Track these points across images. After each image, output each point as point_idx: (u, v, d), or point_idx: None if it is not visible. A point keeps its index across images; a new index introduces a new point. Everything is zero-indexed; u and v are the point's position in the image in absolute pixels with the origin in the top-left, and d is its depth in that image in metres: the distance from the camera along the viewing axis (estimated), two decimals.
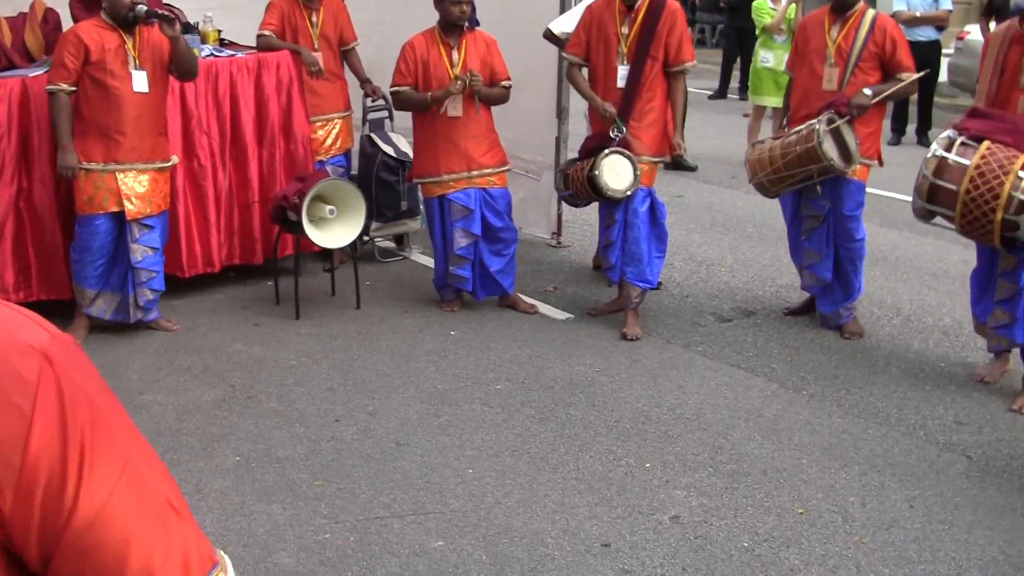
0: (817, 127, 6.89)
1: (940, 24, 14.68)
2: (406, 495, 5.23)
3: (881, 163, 7.40)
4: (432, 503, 5.16)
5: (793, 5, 12.97)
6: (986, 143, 5.98)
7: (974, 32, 16.23)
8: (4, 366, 1.35)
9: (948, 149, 6.06)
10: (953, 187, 5.98)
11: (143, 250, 7.07)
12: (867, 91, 7.04)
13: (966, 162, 5.96)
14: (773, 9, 12.73)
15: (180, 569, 1.52)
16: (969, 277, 6.83)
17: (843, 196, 7.22)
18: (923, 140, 14.73)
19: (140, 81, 6.86)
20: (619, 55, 7.27)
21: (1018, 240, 6.05)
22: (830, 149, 6.89)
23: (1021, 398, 6.46)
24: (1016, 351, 6.67)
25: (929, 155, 6.09)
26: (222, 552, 1.65)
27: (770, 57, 12.67)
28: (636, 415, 6.18)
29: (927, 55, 14.00)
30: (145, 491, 1.49)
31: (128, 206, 6.93)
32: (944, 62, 16.20)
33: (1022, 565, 4.77)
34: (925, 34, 14.42)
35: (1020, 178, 5.85)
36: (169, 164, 7.19)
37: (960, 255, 9.26)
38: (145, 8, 6.72)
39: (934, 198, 6.11)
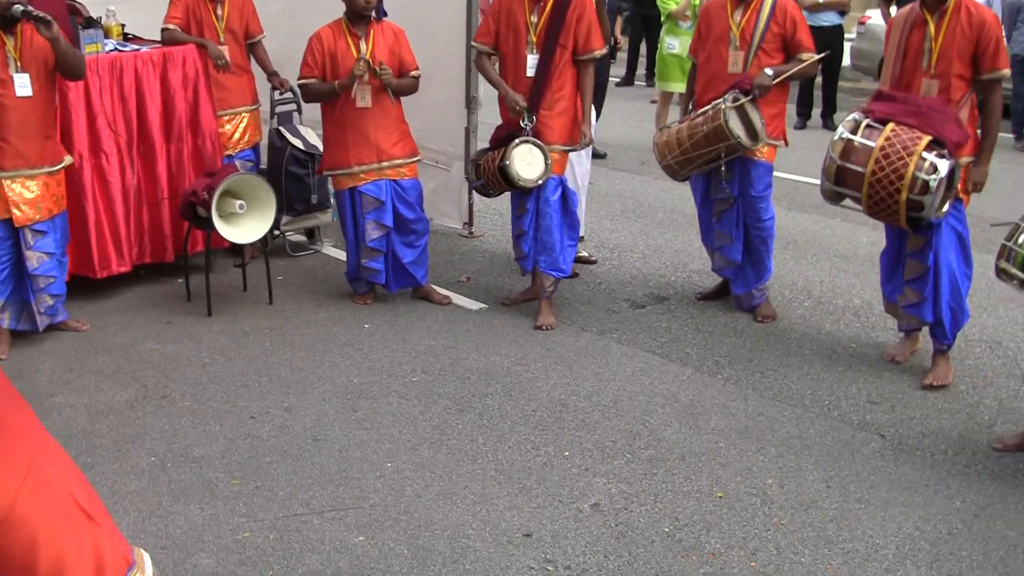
0: (722, 106, 6.94)
1: (842, 9, 14.87)
2: (325, 491, 5.19)
3: (787, 143, 7.45)
4: (351, 498, 5.12)
5: None
6: (891, 125, 6.05)
7: (875, 16, 16.48)
8: None
9: (854, 131, 6.12)
10: (860, 169, 6.05)
11: (39, 256, 6.87)
12: (768, 71, 7.09)
13: (872, 144, 6.02)
14: None
15: (92, 570, 1.50)
16: (879, 257, 6.91)
17: (752, 177, 7.29)
18: (828, 124, 14.91)
19: (23, 85, 6.63)
20: (528, 44, 7.25)
21: (923, 220, 6.12)
22: (736, 127, 6.94)
23: (931, 375, 6.57)
24: (925, 330, 6.76)
25: (836, 137, 6.15)
26: (143, 552, 1.62)
27: (676, 43, 12.72)
28: (553, 404, 6.18)
29: (830, 40, 14.19)
30: (52, 494, 1.47)
31: (16, 213, 6.70)
32: (847, 46, 16.41)
33: (937, 540, 4.84)
34: (828, 19, 14.59)
35: (924, 159, 5.92)
36: (59, 167, 6.97)
37: (868, 236, 9.39)
38: (22, 8, 6.49)
39: (841, 180, 6.17)
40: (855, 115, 6.21)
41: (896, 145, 5.95)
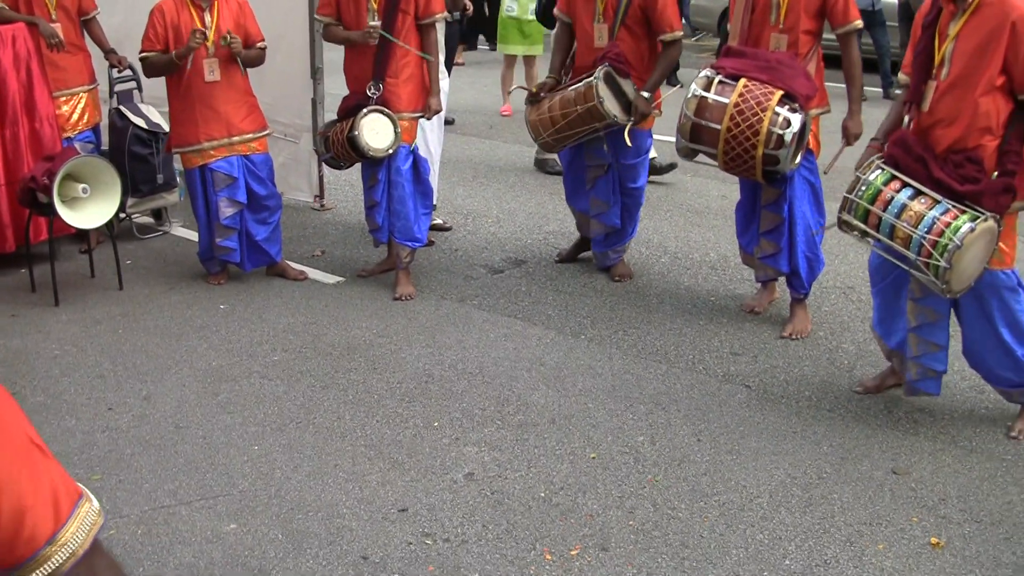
0: (595, 83, 6.87)
1: None
2: (192, 480, 5.04)
3: (661, 112, 7.38)
4: (220, 485, 4.99)
5: None
6: (743, 81, 6.09)
7: None
8: None
9: (707, 88, 6.14)
10: (715, 126, 6.07)
11: None
12: (645, 94, 7.04)
13: (725, 100, 6.05)
14: None
15: (50, 506, 1.54)
16: (734, 211, 6.97)
17: (626, 145, 7.24)
18: (672, 81, 14.96)
19: None
20: (370, 12, 7.12)
21: (779, 173, 6.19)
22: (612, 106, 6.88)
23: (790, 325, 6.67)
24: (783, 280, 6.84)
25: (689, 95, 6.15)
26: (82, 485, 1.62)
27: (515, 6, 12.71)
28: (418, 375, 6.11)
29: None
30: (7, 434, 1.46)
31: None
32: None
33: (808, 485, 4.91)
34: None
35: (777, 114, 5.98)
36: None
37: (719, 190, 9.49)
38: None
39: (697, 137, 6.19)
40: (706, 72, 6.22)
41: (750, 101, 5.99)
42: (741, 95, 6.01)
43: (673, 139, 6.38)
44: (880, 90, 14.14)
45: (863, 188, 5.10)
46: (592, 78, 6.91)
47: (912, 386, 5.55)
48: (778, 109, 5.98)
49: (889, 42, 14.25)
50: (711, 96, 6.08)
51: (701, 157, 6.42)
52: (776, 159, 6.03)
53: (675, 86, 14.80)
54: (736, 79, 6.12)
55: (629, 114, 7.01)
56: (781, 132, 5.95)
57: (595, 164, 7.39)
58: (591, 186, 7.48)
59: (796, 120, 5.99)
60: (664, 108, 7.24)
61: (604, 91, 6.89)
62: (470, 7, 12.45)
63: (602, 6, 7.11)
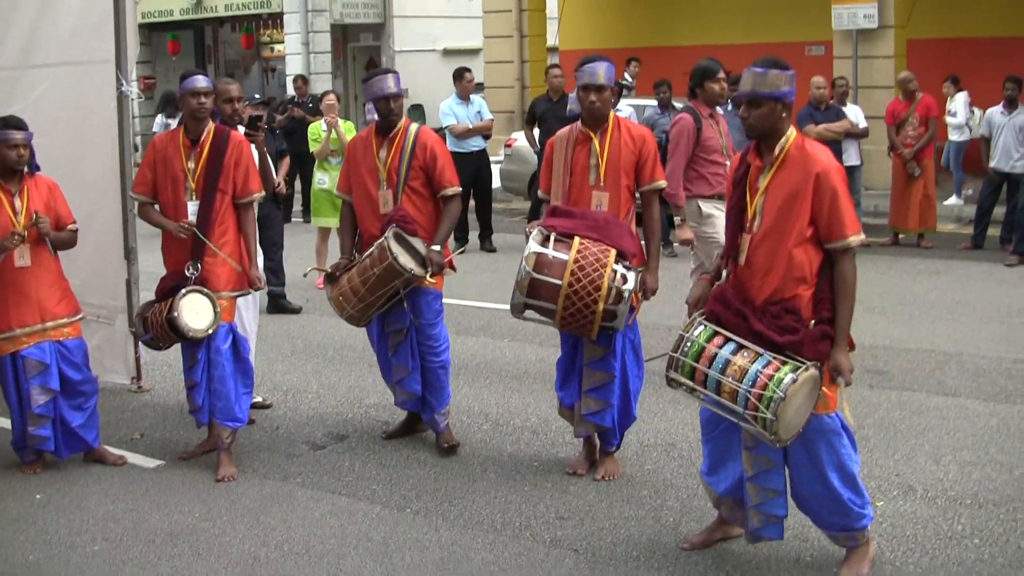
0: (386, 244, 6.99)
1: (487, 133, 15.41)
2: None
3: (455, 269, 7.59)
4: None
5: (349, 124, 13.25)
6: (577, 238, 6.33)
7: (520, 139, 17.14)
8: None
9: (544, 244, 6.32)
10: (555, 281, 6.23)
11: None
12: (436, 247, 7.25)
13: (564, 256, 6.25)
14: (325, 131, 12.97)
15: None
16: (555, 365, 7.07)
17: (422, 306, 7.37)
18: (487, 246, 15.31)
19: None
20: (187, 191, 7.17)
21: (613, 330, 6.42)
22: (407, 261, 7.01)
23: (602, 470, 6.96)
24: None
25: (528, 252, 6.29)
26: None
27: (326, 179, 12.88)
28: (244, 558, 6.02)
29: (480, 163, 14.74)
30: None
31: None
32: (495, 168, 16.99)
33: None
34: (476, 144, 15.11)
35: (615, 271, 6.24)
36: None
37: (536, 354, 9.64)
38: None
39: (534, 293, 6.34)
40: (539, 229, 6.40)
41: (588, 258, 6.23)
42: (580, 251, 6.24)
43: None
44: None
45: (687, 345, 5.28)
46: (383, 238, 7.05)
47: (754, 534, 5.67)
48: (615, 266, 6.22)
49: None
50: (550, 252, 6.25)
51: (530, 314, 6.55)
52: (614, 314, 6.25)
53: (491, 251, 15.15)
54: (570, 237, 6.31)
55: (424, 267, 7.13)
56: (621, 287, 6.21)
57: (394, 330, 7.46)
58: (392, 352, 7.54)
59: (631, 277, 6.29)
60: (460, 276, 7.40)
61: (397, 248, 7.02)
62: (283, 187, 12.58)
63: (385, 172, 7.31)
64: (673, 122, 8.93)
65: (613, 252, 6.33)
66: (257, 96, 13.89)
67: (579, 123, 6.84)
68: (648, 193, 6.83)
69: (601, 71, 6.68)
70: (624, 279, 6.26)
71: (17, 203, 7.12)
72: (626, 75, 19.26)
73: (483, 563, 5.87)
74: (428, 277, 7.21)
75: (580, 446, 7.21)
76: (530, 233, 6.49)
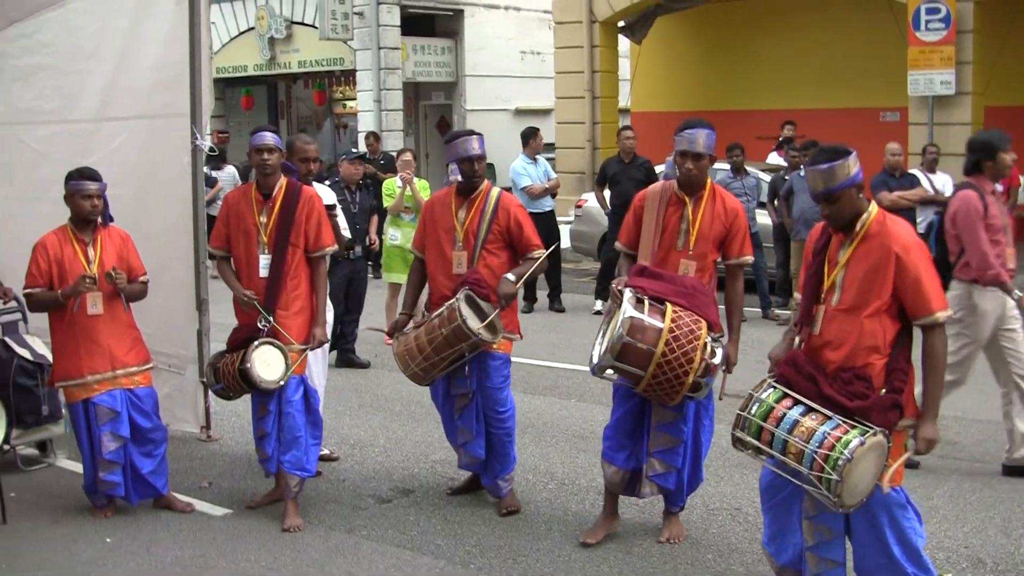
0: (456, 305, 7.01)
1: (555, 192, 15.51)
2: None
3: (521, 336, 7.60)
4: None
5: (424, 182, 13.32)
6: (670, 306, 6.25)
7: (590, 200, 17.22)
8: None
9: (638, 308, 6.24)
10: (648, 348, 6.12)
11: None
12: (510, 276, 7.23)
13: (659, 324, 6.15)
14: (400, 187, 13.04)
15: None
16: (607, 428, 7.04)
17: (489, 370, 7.37)
18: (555, 305, 15.32)
19: None
20: (260, 244, 7.26)
21: (693, 399, 6.44)
22: (475, 324, 7.02)
23: (667, 530, 6.94)
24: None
25: (623, 316, 6.14)
26: None
27: (398, 235, 12.94)
28: None
29: (549, 223, 14.77)
30: None
31: None
32: (565, 229, 17.07)
33: None
34: (548, 204, 15.20)
35: (707, 343, 6.19)
36: None
37: (603, 415, 9.51)
38: None
39: (623, 357, 6.19)
40: (631, 290, 6.31)
41: (683, 328, 6.15)
42: (674, 320, 6.16)
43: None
44: (759, 310, 14.48)
45: (755, 406, 5.27)
46: (454, 299, 7.06)
47: None
48: (706, 339, 6.20)
49: (766, 263, 14.70)
50: (645, 318, 6.17)
51: (608, 373, 6.48)
52: (699, 386, 6.22)
53: (560, 311, 15.17)
54: (661, 302, 6.27)
55: (493, 333, 7.14)
56: (711, 361, 6.18)
57: (460, 393, 7.44)
58: (458, 415, 7.52)
59: (719, 350, 6.29)
60: (529, 335, 7.38)
61: (467, 311, 7.01)
62: (376, 243, 12.71)
63: (462, 233, 7.33)
64: (955, 200, 8.12)
65: (705, 324, 6.26)
66: (355, 150, 13.98)
67: (675, 184, 6.78)
68: (734, 267, 6.83)
69: (700, 138, 6.60)
70: (713, 352, 6.22)
71: (91, 252, 7.26)
72: None
73: None
74: (496, 342, 7.22)
75: (646, 507, 7.18)
76: (619, 289, 6.38)
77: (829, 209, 5.35)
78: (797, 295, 5.75)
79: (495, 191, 7.47)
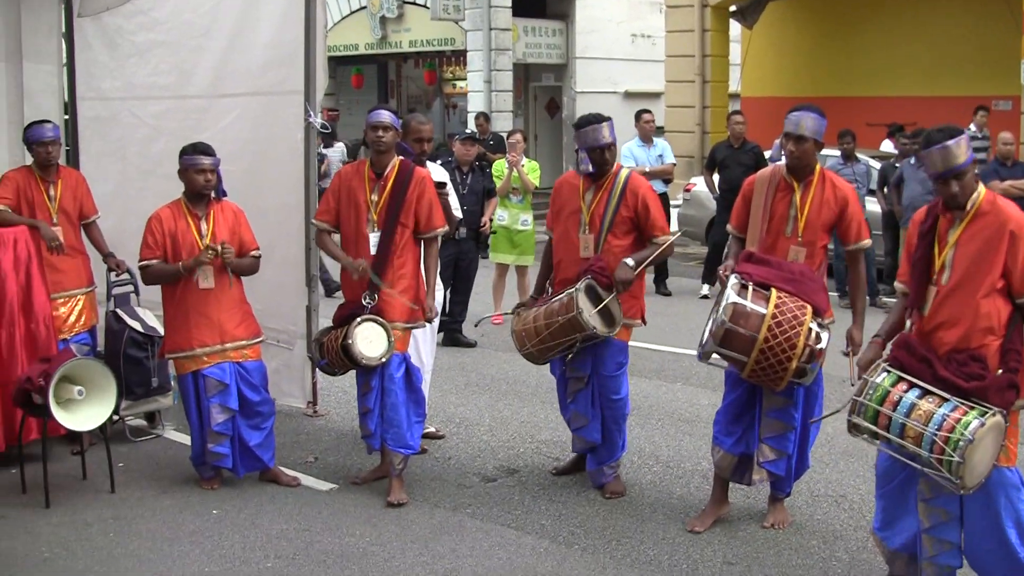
0: (575, 295, 6.95)
1: (667, 177, 15.33)
2: None
3: (644, 322, 7.53)
4: None
5: (533, 164, 13.26)
6: (775, 292, 6.19)
7: (699, 184, 17.06)
8: None
9: (741, 294, 6.19)
10: (750, 334, 6.08)
11: None
12: (629, 261, 7.13)
13: (762, 310, 6.09)
14: (507, 169, 13.02)
15: None
16: (718, 412, 6.97)
17: (604, 357, 7.30)
18: (661, 289, 15.25)
19: None
20: (369, 222, 7.27)
21: (800, 384, 6.34)
22: (592, 318, 6.95)
23: (771, 516, 6.86)
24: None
25: (726, 301, 6.11)
26: None
27: (505, 216, 12.93)
28: None
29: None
30: None
31: None
32: (673, 213, 16.93)
33: None
34: (657, 187, 15.02)
35: (811, 329, 6.11)
36: None
37: (709, 399, 9.53)
38: None
39: (727, 342, 6.17)
40: (736, 276, 6.26)
41: (787, 314, 6.08)
42: (777, 306, 6.10)
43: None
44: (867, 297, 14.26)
45: (871, 391, 5.21)
46: (574, 289, 7.01)
47: None
48: (811, 325, 6.11)
49: (874, 251, 14.48)
50: (748, 304, 6.11)
51: (714, 358, 6.44)
52: (804, 372, 6.14)
53: (666, 295, 15.08)
54: (766, 288, 6.21)
55: (611, 326, 7.08)
56: (815, 347, 6.09)
57: (575, 376, 7.41)
58: (571, 399, 7.48)
59: (824, 336, 6.17)
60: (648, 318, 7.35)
61: (584, 302, 6.96)
62: (488, 226, 12.66)
63: (588, 217, 7.24)
64: None
65: (810, 309, 6.16)
66: (468, 131, 14.01)
67: (783, 169, 6.66)
68: (854, 252, 6.72)
69: (805, 121, 6.47)
70: (818, 338, 6.13)
71: (203, 227, 7.34)
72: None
73: None
74: (611, 334, 7.14)
75: (751, 493, 7.11)
76: (725, 275, 6.32)
77: (958, 186, 5.25)
78: (899, 283, 5.67)
79: (624, 172, 7.32)
